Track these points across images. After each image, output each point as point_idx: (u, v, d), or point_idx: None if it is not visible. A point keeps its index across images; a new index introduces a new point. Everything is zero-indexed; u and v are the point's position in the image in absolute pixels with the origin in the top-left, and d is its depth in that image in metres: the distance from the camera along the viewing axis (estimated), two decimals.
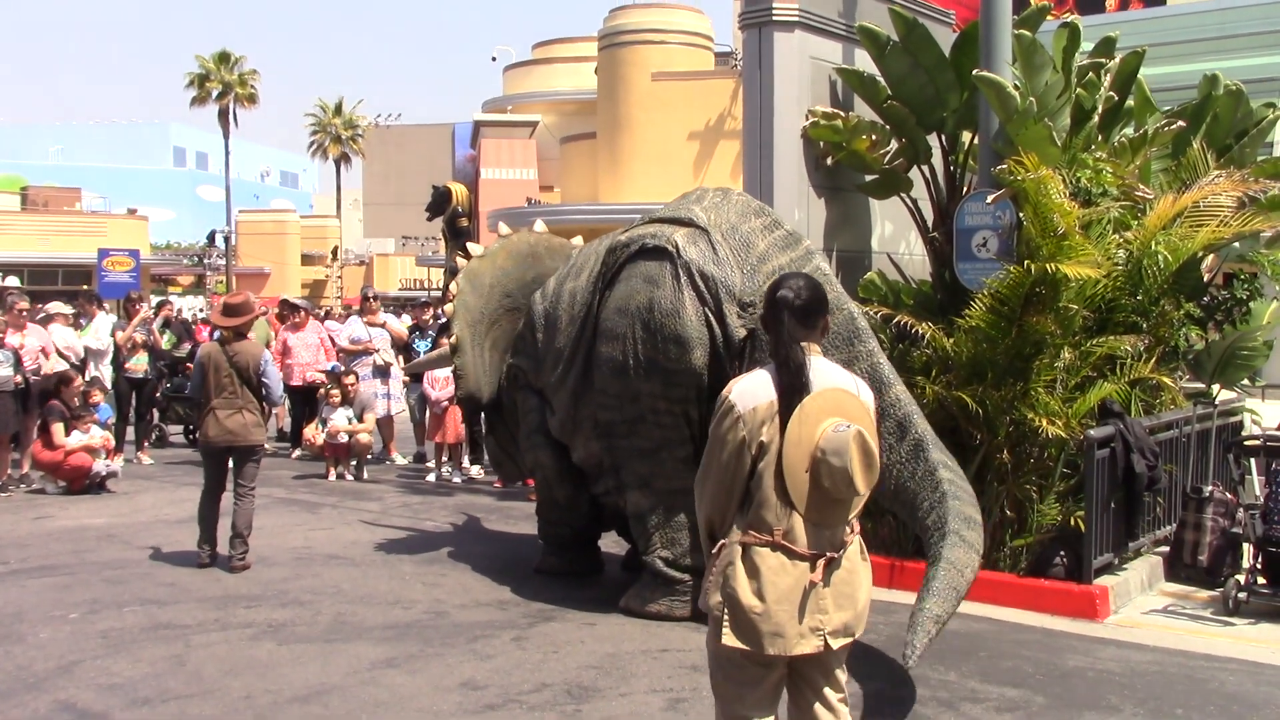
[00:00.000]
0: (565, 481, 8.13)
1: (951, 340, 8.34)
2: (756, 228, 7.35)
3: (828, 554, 3.69)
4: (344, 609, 7.59)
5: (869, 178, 9.94)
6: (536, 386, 8.19)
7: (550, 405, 8.05)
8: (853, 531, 3.80)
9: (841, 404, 3.74)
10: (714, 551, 3.77)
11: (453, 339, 8.63)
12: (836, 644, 3.72)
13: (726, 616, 3.68)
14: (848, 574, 3.76)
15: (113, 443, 12.81)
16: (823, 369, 3.78)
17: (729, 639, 3.68)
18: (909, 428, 6.48)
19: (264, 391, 8.83)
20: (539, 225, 9.37)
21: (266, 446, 9.83)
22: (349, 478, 13.14)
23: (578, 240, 9.14)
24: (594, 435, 7.65)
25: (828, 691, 3.82)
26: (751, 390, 3.70)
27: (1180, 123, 9.68)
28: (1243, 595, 7.57)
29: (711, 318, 7.06)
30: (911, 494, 6.35)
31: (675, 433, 7.22)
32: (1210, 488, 8.49)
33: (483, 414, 9.46)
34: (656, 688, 6.03)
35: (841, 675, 3.86)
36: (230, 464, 8.82)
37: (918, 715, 5.67)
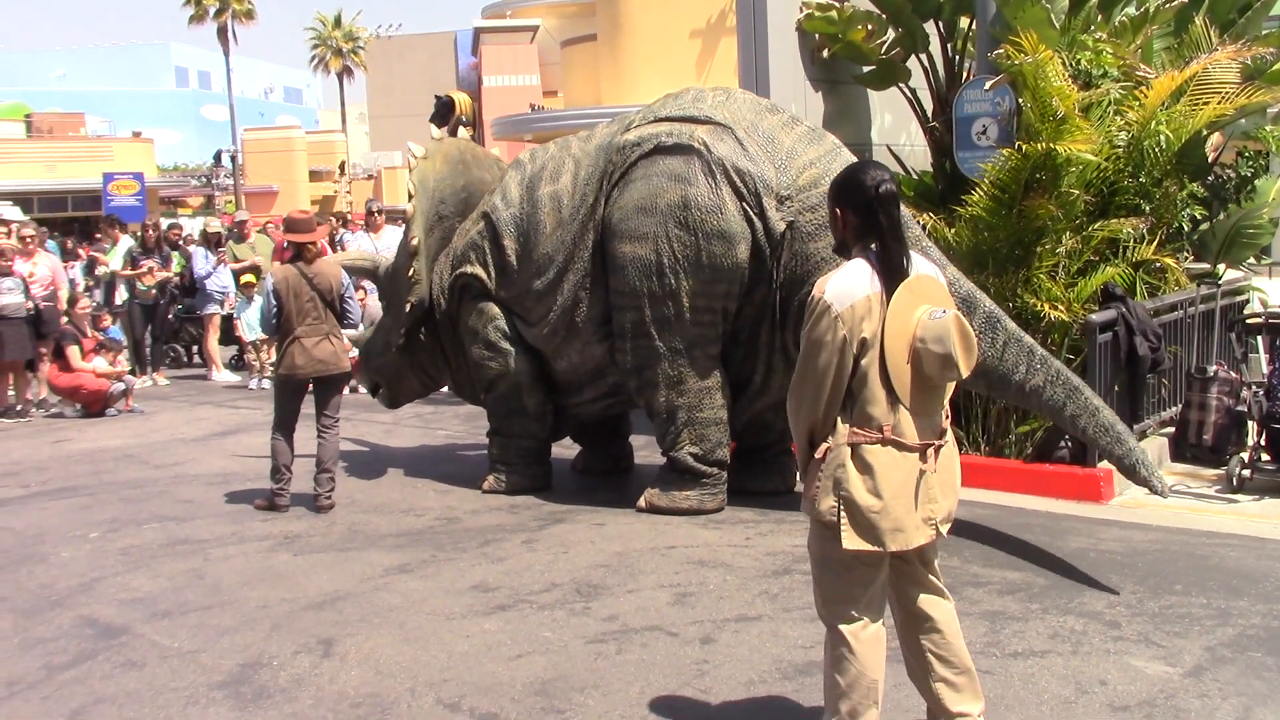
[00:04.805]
0: (537, 389, 8.11)
1: (953, 230, 8.32)
2: (775, 124, 7.36)
3: (934, 442, 3.72)
4: (358, 519, 7.72)
5: (866, 69, 9.84)
6: (500, 297, 8.09)
7: (521, 315, 8.01)
8: (947, 417, 3.83)
9: (929, 290, 3.74)
10: (817, 457, 3.70)
11: (413, 241, 8.38)
12: (945, 530, 3.79)
13: (845, 519, 3.65)
14: (948, 460, 3.81)
15: (124, 367, 12.97)
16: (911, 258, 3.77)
17: (852, 542, 3.64)
18: (976, 304, 6.66)
19: (345, 315, 8.19)
20: (461, 132, 9.31)
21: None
22: (362, 390, 13.23)
23: (496, 150, 9.10)
24: (598, 339, 7.67)
25: (933, 580, 3.91)
26: (848, 288, 3.61)
27: None
28: (1246, 473, 7.63)
29: (751, 212, 7.09)
30: (1006, 365, 6.58)
31: (711, 330, 7.27)
32: (1214, 367, 8.50)
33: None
34: (664, 583, 6.14)
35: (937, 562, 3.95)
36: (312, 395, 8.12)
37: None
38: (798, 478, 7.96)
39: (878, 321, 3.61)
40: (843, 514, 3.65)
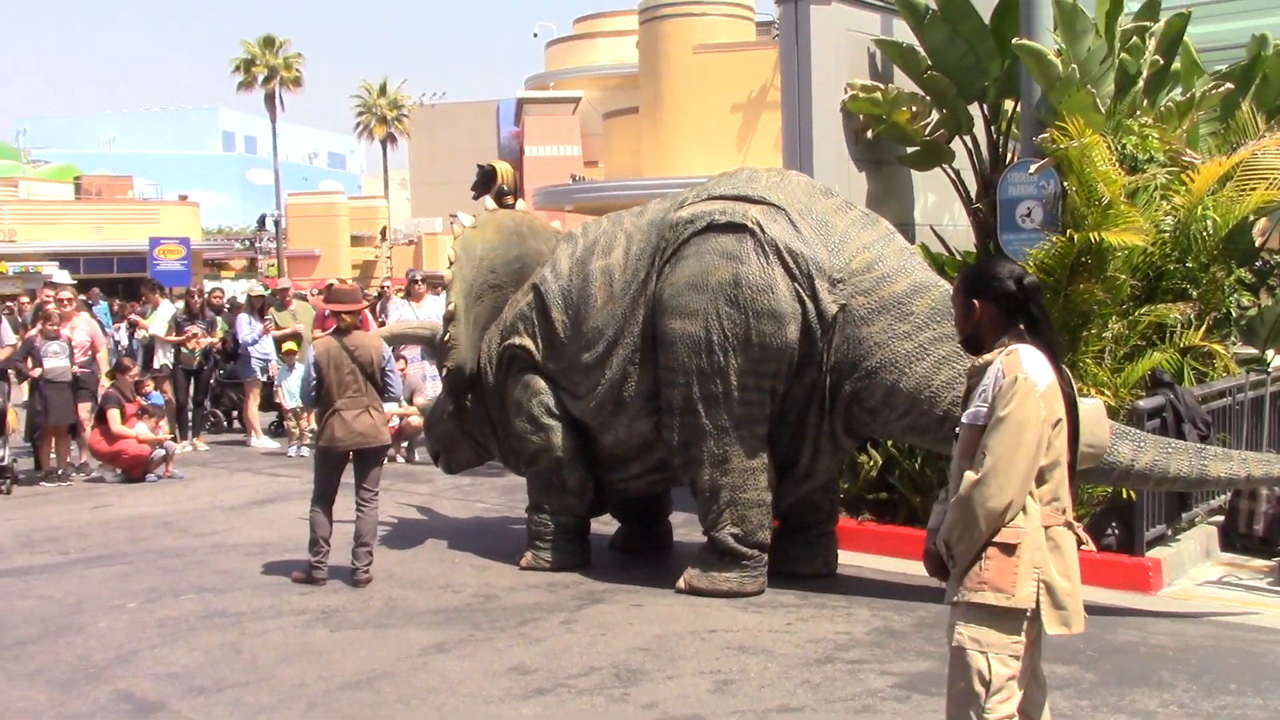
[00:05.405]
0: (579, 465, 8.08)
1: None
2: (829, 208, 7.40)
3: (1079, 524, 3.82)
4: (395, 594, 7.68)
5: (910, 150, 9.87)
6: (546, 369, 8.10)
7: (568, 388, 8.01)
8: None
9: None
10: (1011, 541, 3.65)
11: (450, 307, 8.38)
12: None
13: (1046, 603, 3.65)
14: None
15: (166, 433, 13.05)
16: None
17: (1054, 626, 3.66)
18: None
19: (386, 388, 8.14)
20: (520, 204, 9.40)
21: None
22: (400, 460, 13.26)
23: (556, 224, 9.21)
24: (645, 414, 7.65)
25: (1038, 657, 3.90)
26: (1039, 369, 3.67)
27: (1228, 85, 9.50)
28: None
29: (803, 293, 7.08)
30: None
31: (759, 409, 7.23)
32: None
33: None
34: (704, 669, 6.05)
35: None
36: (351, 467, 8.06)
37: None
38: (839, 559, 7.93)
39: (1063, 404, 3.71)
40: (1043, 598, 3.64)
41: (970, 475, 3.66)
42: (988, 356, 3.80)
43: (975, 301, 3.85)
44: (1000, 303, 3.80)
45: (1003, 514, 3.64)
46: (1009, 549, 3.65)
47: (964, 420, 3.78)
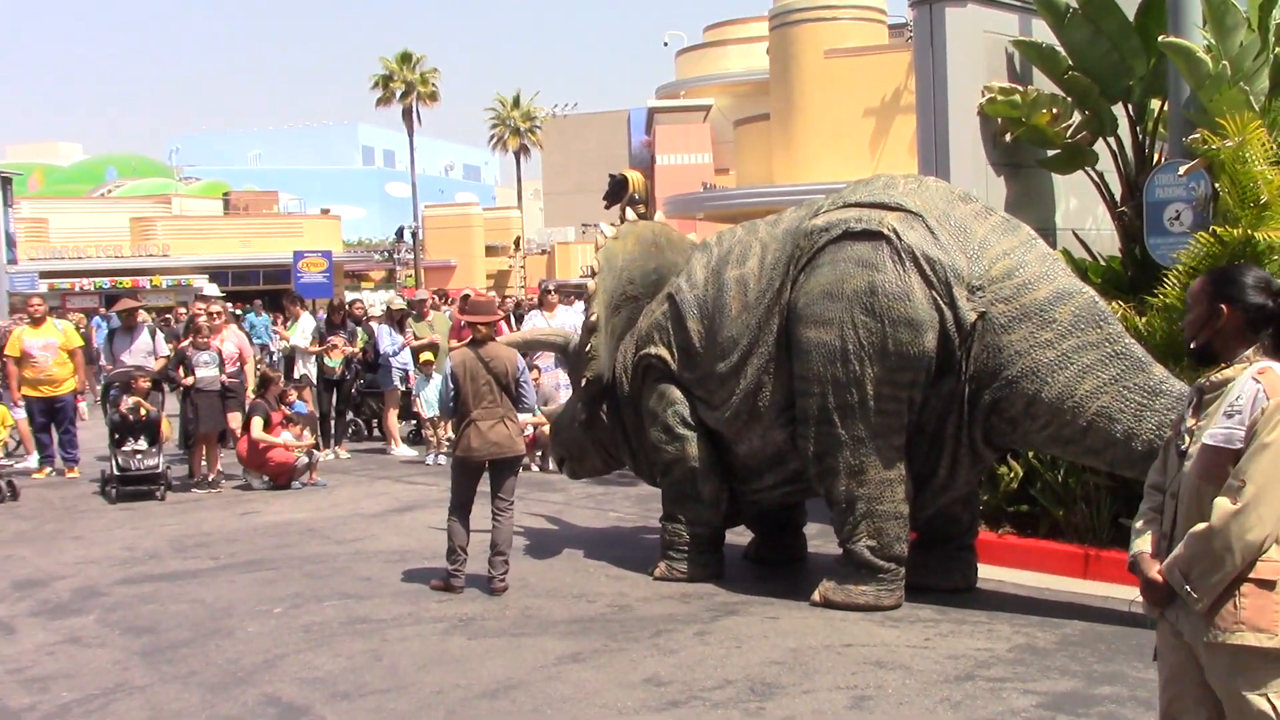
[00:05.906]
0: (713, 476, 8.06)
1: (1144, 319, 8.00)
2: (968, 214, 7.26)
3: None
4: (530, 602, 7.75)
5: (1051, 153, 9.62)
6: (682, 379, 8.09)
7: (703, 397, 7.99)
8: None
9: None
10: (1272, 579, 3.45)
11: (592, 317, 8.43)
12: None
13: None
14: None
15: (310, 441, 13.41)
16: None
17: None
18: None
19: (520, 399, 8.26)
20: (659, 215, 9.40)
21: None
22: (534, 468, 13.38)
23: (692, 236, 9.18)
24: (780, 424, 7.59)
25: None
26: None
27: None
28: None
29: (940, 301, 6.96)
30: None
31: (895, 420, 7.11)
32: None
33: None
34: (840, 685, 5.97)
35: None
36: (487, 477, 8.20)
37: (1115, 716, 5.46)
38: (977, 576, 7.75)
39: None
40: None
41: (1226, 504, 3.42)
42: (1228, 372, 3.56)
43: (1224, 307, 3.58)
44: (1250, 312, 3.55)
45: (1259, 547, 3.42)
46: (1268, 585, 3.43)
47: (1209, 441, 3.50)
